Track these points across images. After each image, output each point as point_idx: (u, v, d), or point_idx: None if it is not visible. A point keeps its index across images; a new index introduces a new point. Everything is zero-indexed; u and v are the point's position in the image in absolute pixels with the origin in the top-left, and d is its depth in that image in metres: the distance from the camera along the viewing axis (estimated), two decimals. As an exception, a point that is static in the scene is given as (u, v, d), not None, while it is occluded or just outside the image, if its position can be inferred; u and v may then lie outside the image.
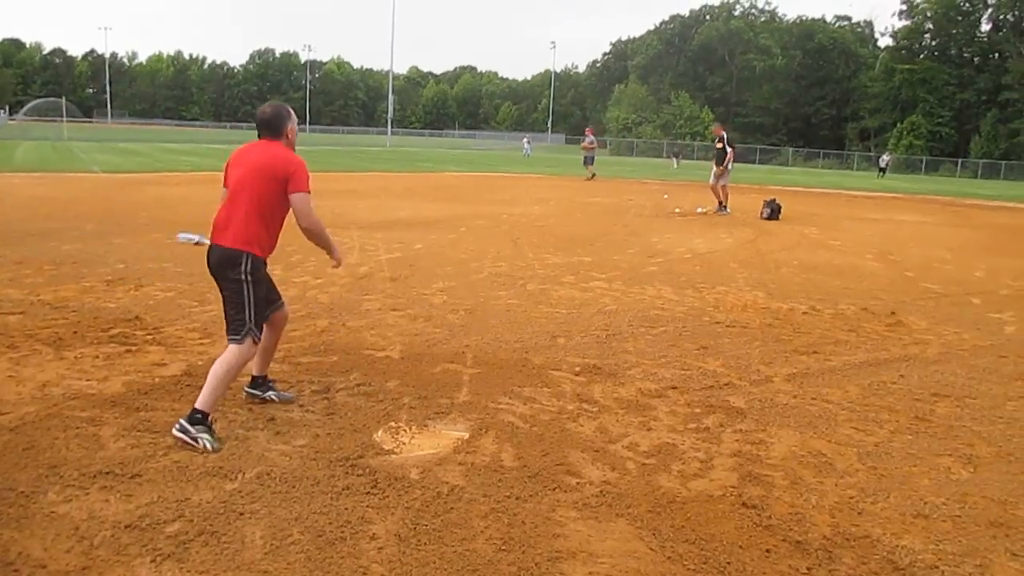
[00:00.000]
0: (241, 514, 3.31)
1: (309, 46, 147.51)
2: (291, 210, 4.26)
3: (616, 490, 3.66)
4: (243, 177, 4.14)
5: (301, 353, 5.68)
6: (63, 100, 68.68)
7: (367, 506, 3.42)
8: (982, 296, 9.23)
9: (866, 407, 5.06)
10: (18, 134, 54.09)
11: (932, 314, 7.98)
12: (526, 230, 13.49)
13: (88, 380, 4.94)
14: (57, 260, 8.89)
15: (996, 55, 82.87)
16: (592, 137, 31.52)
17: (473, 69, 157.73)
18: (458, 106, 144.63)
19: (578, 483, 3.72)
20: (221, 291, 4.23)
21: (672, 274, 9.57)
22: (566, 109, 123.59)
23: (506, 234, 12.86)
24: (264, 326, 4.42)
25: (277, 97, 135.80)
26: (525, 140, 62.69)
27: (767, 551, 3.21)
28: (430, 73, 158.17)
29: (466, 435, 4.28)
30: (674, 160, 59.44)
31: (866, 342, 6.73)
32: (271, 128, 4.29)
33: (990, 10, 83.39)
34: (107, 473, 3.63)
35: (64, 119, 62.27)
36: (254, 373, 4.67)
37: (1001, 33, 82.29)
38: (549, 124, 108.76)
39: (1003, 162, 70.88)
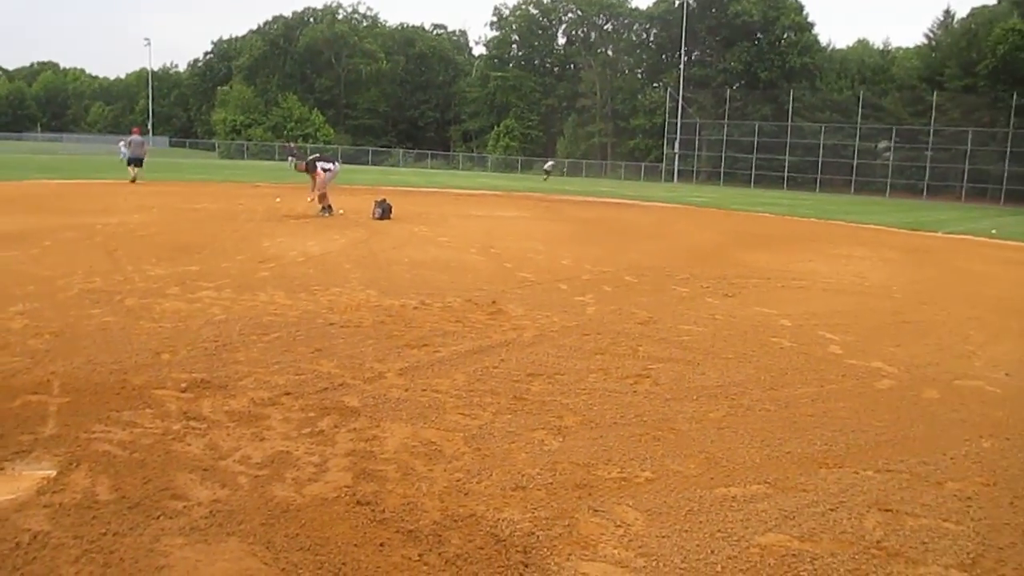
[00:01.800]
0: None
1: None
2: None
3: (227, 507, 3.50)
4: None
5: None
6: None
7: (-78, 574, 2.91)
8: (568, 282, 10.30)
9: (471, 392, 5.39)
10: None
11: (527, 301, 8.73)
12: (124, 240, 12.44)
13: None
14: None
15: (572, 66, 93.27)
16: (139, 137, 30.30)
17: (55, 66, 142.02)
18: (39, 106, 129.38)
19: (185, 507, 3.50)
20: None
21: (285, 278, 9.41)
22: (168, 110, 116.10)
23: (101, 246, 11.75)
24: None
25: None
26: (122, 143, 57.80)
27: (381, 545, 3.28)
28: (1, 69, 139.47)
29: (53, 473, 3.82)
30: (291, 160, 58.55)
31: (471, 331, 7.17)
32: None
33: (564, 26, 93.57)
34: None
35: None
36: None
37: (574, 47, 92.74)
38: (151, 126, 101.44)
39: (583, 161, 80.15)
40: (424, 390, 5.38)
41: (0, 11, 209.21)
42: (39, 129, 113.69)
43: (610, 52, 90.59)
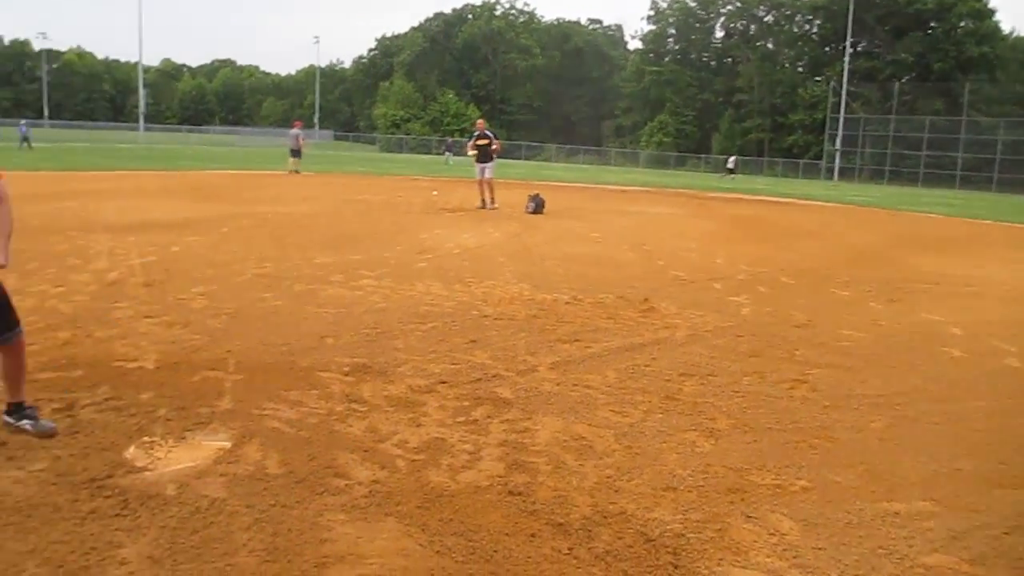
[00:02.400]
0: (-36, 553, 2.97)
1: (44, 34, 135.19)
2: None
3: (385, 489, 3.64)
4: None
5: (39, 369, 5.17)
6: None
7: (116, 529, 3.18)
8: (722, 281, 10.07)
9: (622, 390, 5.37)
10: None
11: (680, 299, 8.60)
12: (292, 229, 13.12)
13: None
14: None
15: (729, 60, 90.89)
16: (295, 130, 31.60)
17: (233, 63, 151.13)
18: (219, 101, 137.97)
19: (346, 485, 3.67)
20: None
21: (441, 269, 9.67)
22: (334, 105, 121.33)
23: (271, 234, 12.44)
24: None
25: (7, 89, 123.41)
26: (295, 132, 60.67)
27: (532, 535, 3.32)
28: (185, 66, 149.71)
29: (228, 444, 4.09)
30: (448, 155, 59.77)
31: (622, 328, 7.14)
32: None
33: (722, 18, 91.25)
34: None
35: None
36: (6, 399, 4.18)
37: (732, 40, 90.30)
38: (316, 121, 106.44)
39: (739, 157, 77.90)
40: (575, 385, 5.40)
41: (187, 13, 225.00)
42: (217, 123, 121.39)
43: (770, 45, 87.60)
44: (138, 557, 2.99)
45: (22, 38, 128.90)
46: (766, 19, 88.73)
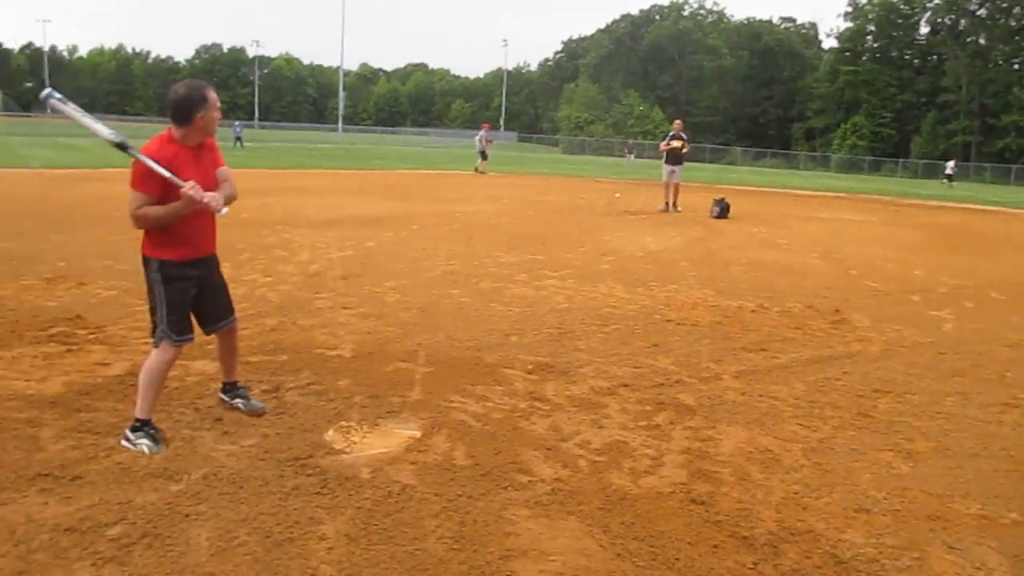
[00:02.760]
0: (186, 516, 3.26)
1: (257, 42, 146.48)
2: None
3: (568, 488, 3.68)
4: None
5: (250, 352, 5.60)
6: (-1, 94, 67.00)
7: (317, 506, 3.39)
8: (922, 294, 9.46)
9: (811, 403, 5.15)
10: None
11: (874, 312, 8.15)
12: (479, 228, 13.49)
13: (27, 380, 4.81)
14: (-9, 258, 8.67)
15: (934, 57, 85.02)
16: (482, 132, 33.27)
17: (425, 66, 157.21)
18: (410, 103, 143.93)
19: (530, 481, 3.74)
20: None
21: (624, 272, 9.65)
22: (519, 107, 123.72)
23: (459, 232, 12.85)
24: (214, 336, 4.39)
25: (224, 93, 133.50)
26: (478, 138, 62.32)
27: (715, 546, 3.26)
28: (381, 70, 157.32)
29: (418, 434, 4.27)
30: (630, 156, 59.38)
31: (811, 339, 6.85)
32: (178, 116, 3.87)
33: (928, 13, 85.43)
34: (46, 475, 3.54)
35: (0, 113, 60.71)
36: (222, 379, 4.58)
37: (939, 36, 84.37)
38: (502, 122, 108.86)
39: (942, 163, 72.66)
40: (761, 396, 5.24)
41: (383, 18, 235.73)
42: (408, 124, 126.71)
43: (982, 40, 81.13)
44: (336, 534, 3.18)
45: (238, 46, 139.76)
46: (978, 13, 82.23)
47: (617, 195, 23.17)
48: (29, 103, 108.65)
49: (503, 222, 14.64)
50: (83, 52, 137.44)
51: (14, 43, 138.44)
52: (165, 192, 3.78)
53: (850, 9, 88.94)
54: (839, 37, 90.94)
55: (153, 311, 4.03)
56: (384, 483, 3.63)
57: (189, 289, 4.04)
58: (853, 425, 4.81)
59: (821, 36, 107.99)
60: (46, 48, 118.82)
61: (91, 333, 5.89)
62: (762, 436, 4.52)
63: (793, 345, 6.62)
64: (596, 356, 5.92)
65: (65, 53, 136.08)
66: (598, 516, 3.44)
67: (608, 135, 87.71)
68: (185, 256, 4.00)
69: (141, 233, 3.96)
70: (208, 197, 3.72)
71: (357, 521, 3.28)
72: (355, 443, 4.10)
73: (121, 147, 3.85)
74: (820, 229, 16.98)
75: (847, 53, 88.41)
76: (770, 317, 7.64)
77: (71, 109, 3.92)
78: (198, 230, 4.04)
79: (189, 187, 3.70)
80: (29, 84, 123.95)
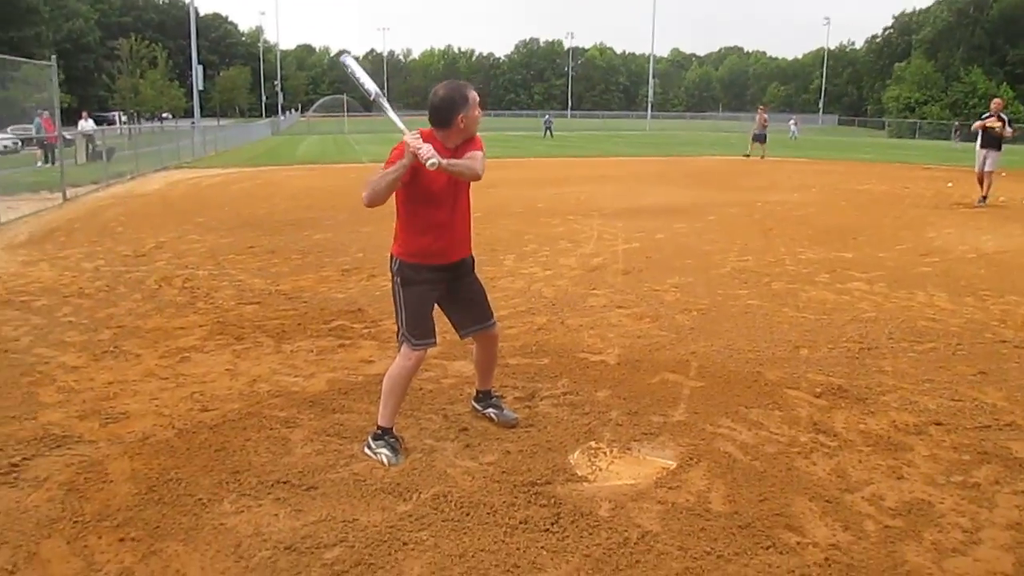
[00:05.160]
0: (404, 544, 3.00)
1: (571, 34, 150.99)
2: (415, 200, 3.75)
3: (846, 559, 2.93)
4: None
5: (512, 353, 5.35)
6: (344, 97, 74.87)
7: (542, 547, 2.99)
8: None
9: None
10: (305, 130, 59.99)
11: None
12: (781, 220, 12.42)
13: (295, 376, 4.92)
14: (305, 249, 9.30)
15: None
16: (765, 116, 31.34)
17: (739, 50, 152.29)
18: (722, 88, 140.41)
19: (798, 543, 3.04)
20: None
21: (949, 277, 8.19)
22: (840, 89, 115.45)
23: (758, 224, 11.90)
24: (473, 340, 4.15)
25: (539, 84, 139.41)
26: (791, 122, 59.19)
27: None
28: (693, 55, 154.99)
29: (673, 464, 3.72)
30: (957, 137, 52.83)
31: None
32: (438, 119, 3.65)
33: None
34: (284, 483, 3.48)
35: (345, 114, 67.95)
36: (476, 387, 4.37)
37: None
38: (820, 105, 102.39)
39: None
40: None
41: (695, 2, 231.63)
42: (720, 110, 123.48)
43: None
44: (556, 586, 2.75)
45: (554, 39, 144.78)
46: None
47: (949, 184, 20.42)
48: (369, 105, 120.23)
49: (809, 213, 13.37)
50: (416, 55, 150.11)
51: (359, 51, 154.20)
52: (413, 176, 3.57)
53: None
54: None
55: (396, 314, 3.87)
56: (622, 525, 3.14)
57: (429, 293, 3.81)
58: None
59: None
60: (385, 53, 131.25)
61: (366, 327, 5.98)
62: None
63: None
64: (904, 381, 4.93)
65: (401, 57, 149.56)
66: (885, 603, 2.70)
67: (944, 117, 79.10)
68: (427, 261, 3.77)
69: None
70: (423, 148, 3.41)
71: (583, 572, 2.83)
72: (600, 470, 3.65)
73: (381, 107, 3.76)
74: None
75: None
76: None
77: (360, 73, 3.89)
78: (445, 235, 3.78)
79: (411, 136, 3.47)
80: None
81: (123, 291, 7.36)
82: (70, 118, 39.79)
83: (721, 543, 3.03)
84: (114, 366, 5.17)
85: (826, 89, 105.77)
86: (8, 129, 24.68)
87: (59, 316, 6.44)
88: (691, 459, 3.77)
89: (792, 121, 59.21)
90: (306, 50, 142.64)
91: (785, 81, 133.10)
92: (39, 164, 21.33)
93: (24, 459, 3.76)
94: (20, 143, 26.30)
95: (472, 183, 3.77)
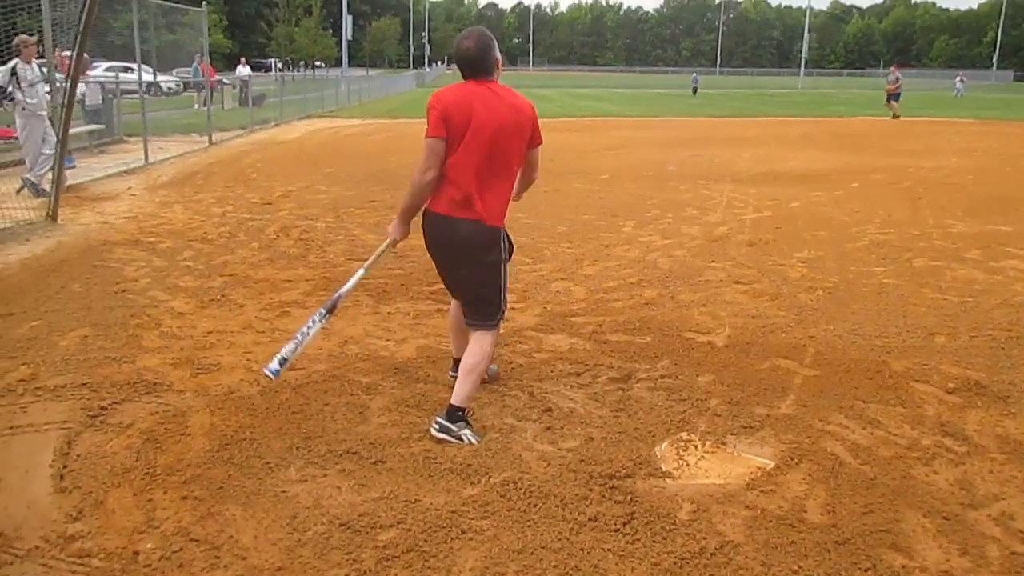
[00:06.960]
0: (463, 532, 2.83)
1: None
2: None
3: (957, 590, 2.57)
4: (497, 135, 3.45)
5: (612, 329, 5.08)
6: (487, 50, 75.04)
7: (608, 549, 2.75)
8: None
9: None
10: (450, 82, 60.25)
11: None
12: (933, 187, 11.46)
13: (387, 340, 4.84)
14: (424, 206, 9.25)
15: None
16: (898, 74, 28.81)
17: (907, 1, 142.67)
18: (886, 42, 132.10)
19: (904, 567, 2.67)
20: (461, 273, 3.67)
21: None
22: (1018, 41, 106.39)
23: (906, 192, 11.02)
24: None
25: (689, 40, 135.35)
26: (958, 79, 54.99)
27: None
28: (854, 7, 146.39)
29: (770, 464, 3.39)
30: None
31: None
32: (484, 66, 3.57)
33: None
34: (353, 454, 3.38)
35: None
36: (455, 356, 4.03)
37: None
38: (994, 60, 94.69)
39: None
40: None
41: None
42: (880, 66, 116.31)
43: None
44: (617, 598, 2.52)
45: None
46: None
47: None
48: (516, 57, 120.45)
49: (967, 181, 12.27)
50: (563, 8, 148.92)
51: (507, 3, 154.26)
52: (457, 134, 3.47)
53: None
54: None
55: (497, 290, 3.65)
56: (701, 532, 2.86)
57: None
58: None
59: None
60: (532, 6, 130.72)
61: (467, 292, 5.84)
62: None
63: None
64: (1055, 379, 4.37)
65: (548, 10, 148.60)
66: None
67: None
68: None
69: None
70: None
71: (648, 584, 2.59)
72: (687, 465, 3.36)
73: None
74: None
75: None
76: None
77: (296, 347, 3.54)
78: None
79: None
80: (516, 40, 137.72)
81: (242, 239, 7.55)
82: (231, 63, 41.64)
83: (811, 561, 2.70)
84: (217, 315, 5.26)
85: (1002, 42, 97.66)
86: (173, 72, 26.13)
87: (179, 260, 6.68)
88: (792, 459, 3.42)
89: (958, 78, 54.94)
90: (455, 2, 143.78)
91: (955, 35, 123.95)
92: (196, 106, 22.37)
93: (114, 403, 3.85)
94: (183, 85, 27.81)
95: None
